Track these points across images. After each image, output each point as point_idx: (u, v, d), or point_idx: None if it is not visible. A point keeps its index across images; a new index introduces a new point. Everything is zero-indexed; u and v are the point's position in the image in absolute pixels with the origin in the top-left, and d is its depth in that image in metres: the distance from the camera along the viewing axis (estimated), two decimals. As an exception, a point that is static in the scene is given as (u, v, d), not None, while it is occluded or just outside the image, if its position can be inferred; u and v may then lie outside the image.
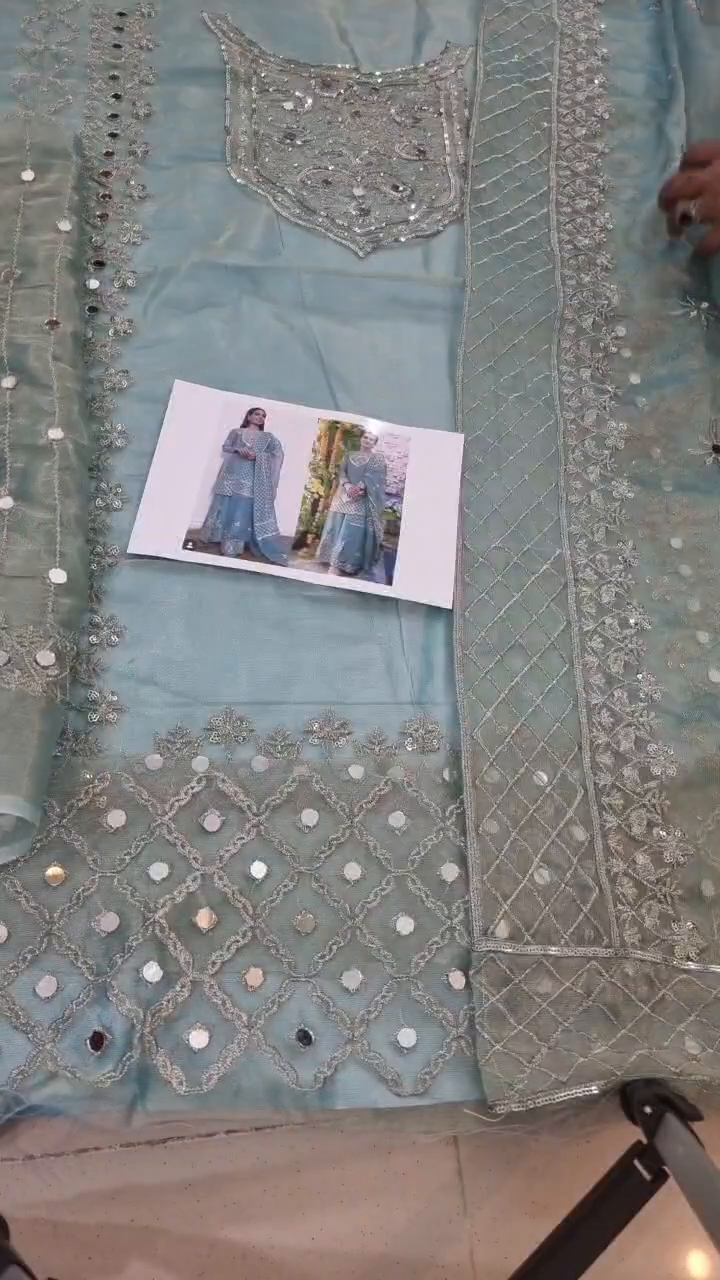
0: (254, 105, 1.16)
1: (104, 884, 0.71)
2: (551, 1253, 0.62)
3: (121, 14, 1.19)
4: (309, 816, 0.76)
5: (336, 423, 0.95)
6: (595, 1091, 0.67)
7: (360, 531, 0.90)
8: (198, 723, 0.79)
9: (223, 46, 1.19)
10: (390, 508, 0.92)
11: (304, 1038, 0.68)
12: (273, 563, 0.86)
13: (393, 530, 0.90)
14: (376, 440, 0.95)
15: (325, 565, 0.87)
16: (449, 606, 0.87)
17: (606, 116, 1.25)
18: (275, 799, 0.77)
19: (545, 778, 0.81)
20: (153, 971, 0.68)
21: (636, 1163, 0.64)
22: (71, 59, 1.14)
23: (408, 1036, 0.70)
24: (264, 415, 0.94)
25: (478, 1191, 0.71)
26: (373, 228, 1.10)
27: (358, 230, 1.09)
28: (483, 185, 1.15)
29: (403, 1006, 0.71)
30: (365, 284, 1.06)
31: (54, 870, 0.71)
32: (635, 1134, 0.66)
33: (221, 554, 0.86)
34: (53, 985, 0.67)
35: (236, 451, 0.92)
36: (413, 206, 1.12)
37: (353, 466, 0.93)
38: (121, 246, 1.02)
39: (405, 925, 0.73)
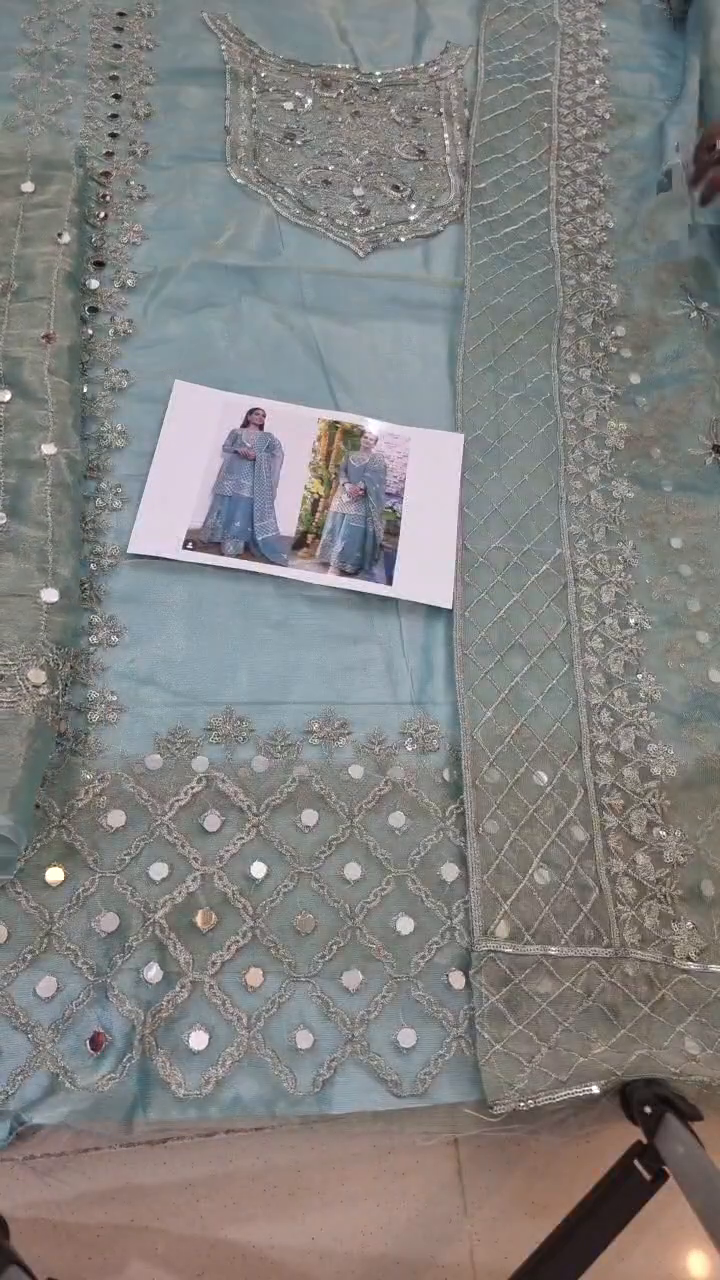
0: (254, 105, 1.16)
1: (104, 884, 0.71)
2: (551, 1253, 0.62)
3: (121, 14, 1.19)
4: (309, 816, 0.76)
5: (336, 423, 0.95)
6: (595, 1091, 0.67)
7: (360, 531, 0.90)
8: (198, 723, 0.79)
9: (223, 46, 1.19)
10: (390, 508, 0.92)
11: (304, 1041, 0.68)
12: (273, 563, 0.86)
13: (393, 530, 0.90)
14: (376, 440, 0.95)
15: (325, 565, 0.87)
16: (449, 606, 0.87)
17: (607, 116, 1.25)
18: (275, 799, 0.77)
19: (545, 778, 0.81)
20: (153, 972, 0.68)
21: (636, 1163, 0.64)
22: (71, 59, 1.14)
23: (407, 1036, 0.70)
24: (264, 415, 0.94)
25: (478, 1191, 0.71)
26: (373, 228, 1.10)
27: (358, 230, 1.09)
28: (483, 185, 1.14)
29: (403, 1006, 0.71)
30: (365, 284, 1.06)
31: (54, 870, 0.71)
32: (635, 1134, 0.66)
33: (221, 554, 0.86)
34: (53, 985, 0.67)
35: (236, 451, 0.92)
36: (413, 206, 1.12)
37: (353, 466, 0.93)
38: (121, 246, 1.02)
39: (405, 925, 0.73)
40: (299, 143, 1.15)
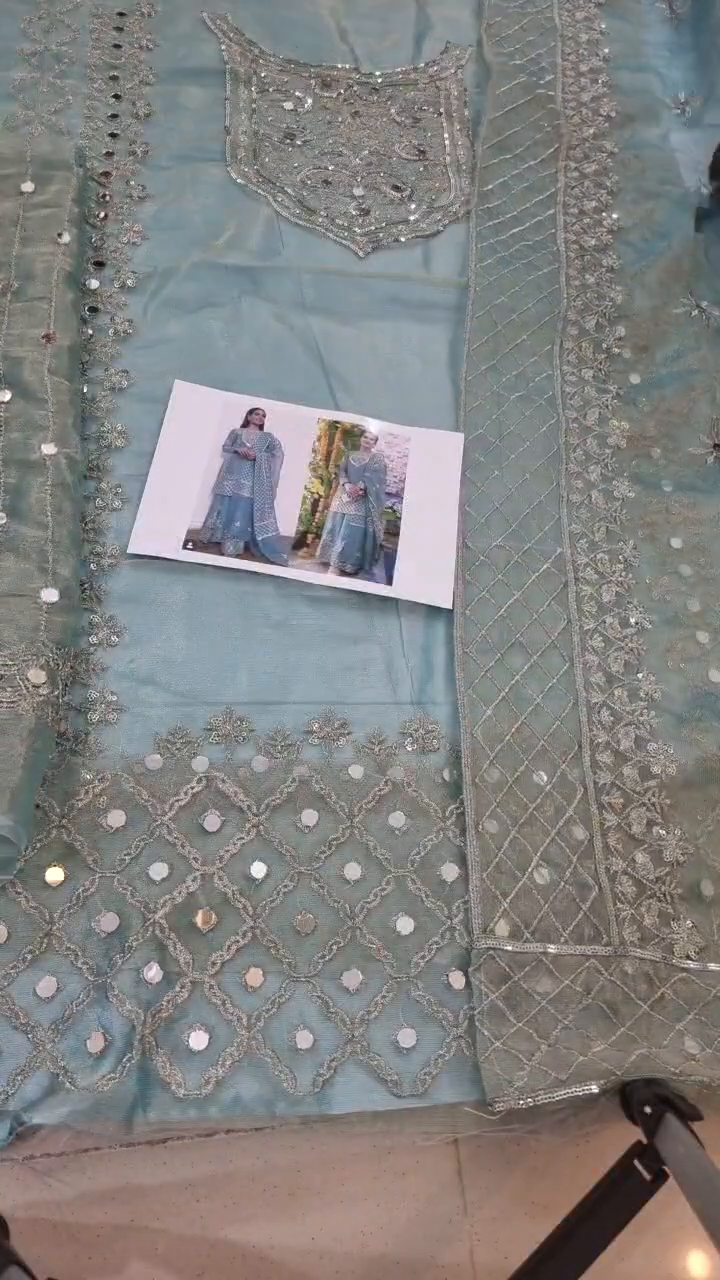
0: (254, 105, 1.16)
1: (104, 884, 0.71)
2: (552, 1252, 0.62)
3: (121, 14, 1.19)
4: (309, 816, 0.76)
5: (336, 423, 0.95)
6: (595, 1090, 0.67)
7: (360, 531, 0.90)
8: (198, 723, 0.79)
9: (223, 46, 1.19)
10: (390, 508, 0.92)
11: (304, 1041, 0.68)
12: (273, 563, 0.86)
13: (393, 530, 0.90)
14: (376, 440, 0.95)
15: (325, 565, 0.87)
16: (449, 606, 0.87)
17: (613, 115, 1.25)
18: (275, 799, 0.77)
19: (545, 777, 0.81)
20: (153, 972, 0.68)
21: (636, 1163, 0.64)
22: (71, 59, 1.14)
23: (407, 1036, 0.70)
24: (264, 415, 0.94)
25: (478, 1191, 0.71)
26: (372, 228, 1.10)
27: (358, 230, 1.09)
28: (490, 186, 1.14)
29: (402, 1006, 0.71)
30: (365, 284, 1.06)
31: (54, 870, 0.71)
32: (635, 1134, 0.66)
33: (221, 554, 0.86)
34: (53, 985, 0.67)
35: (236, 451, 0.92)
36: (413, 206, 1.12)
37: (353, 466, 0.93)
38: (121, 246, 1.03)
39: (405, 925, 0.73)
40: (299, 143, 1.15)
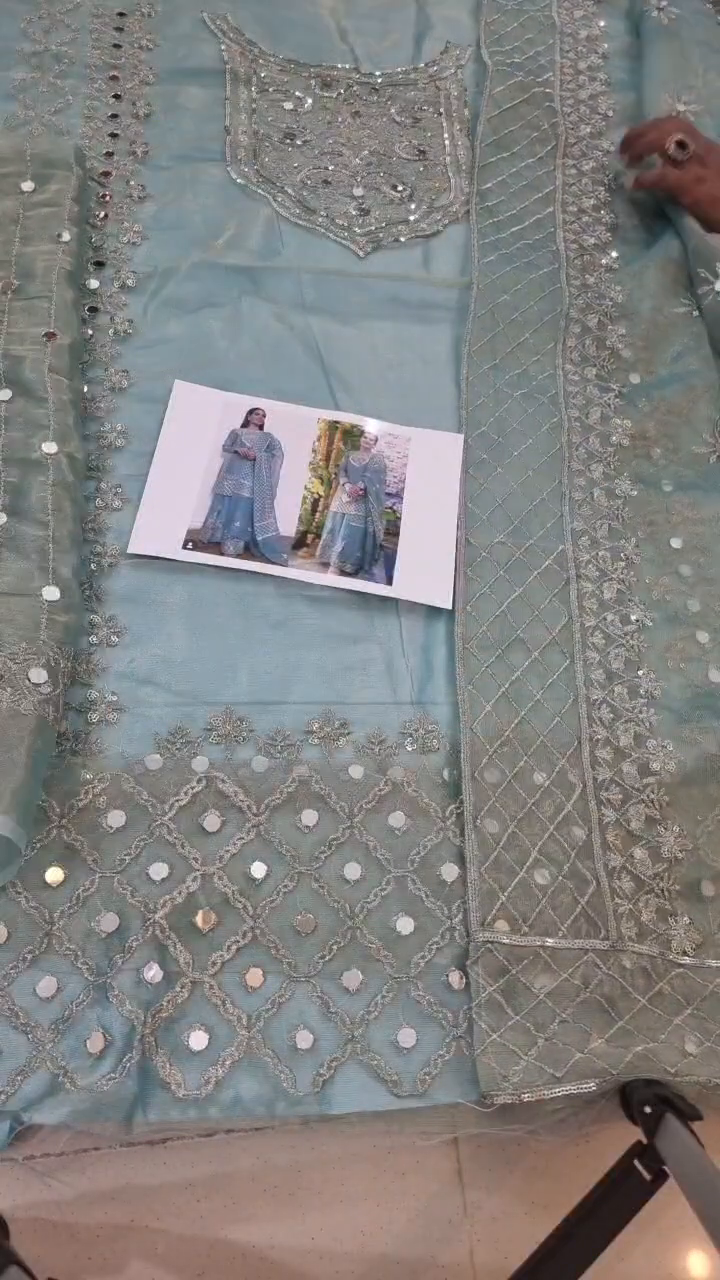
0: (254, 105, 1.16)
1: (104, 884, 0.71)
2: (551, 1253, 0.62)
3: (121, 14, 1.19)
4: (309, 816, 0.76)
5: (336, 423, 0.95)
6: (592, 1088, 0.67)
7: (360, 531, 0.90)
8: (198, 723, 0.79)
9: (222, 46, 1.19)
10: (390, 508, 0.92)
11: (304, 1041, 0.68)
12: (273, 563, 0.86)
13: (393, 530, 0.90)
14: (376, 440, 0.95)
15: (325, 565, 0.87)
16: (448, 606, 0.87)
17: (611, 114, 1.25)
18: (275, 799, 0.77)
19: (544, 775, 0.81)
20: (153, 972, 0.68)
21: (636, 1163, 0.63)
22: (71, 59, 1.14)
23: (408, 1036, 0.70)
24: (264, 415, 0.94)
25: (478, 1191, 0.70)
26: (372, 228, 1.10)
27: (358, 230, 1.09)
28: (489, 185, 1.14)
29: (402, 1006, 0.71)
30: (365, 284, 1.06)
31: (54, 870, 0.71)
32: (635, 1134, 0.66)
33: (221, 554, 0.86)
34: (53, 986, 0.67)
35: (236, 451, 0.92)
36: (413, 206, 1.12)
37: (353, 466, 0.93)
38: (121, 246, 1.03)
39: (405, 925, 0.73)
40: (299, 143, 1.15)
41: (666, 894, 0.79)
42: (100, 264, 1.01)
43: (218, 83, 1.17)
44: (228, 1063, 0.67)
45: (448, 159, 1.17)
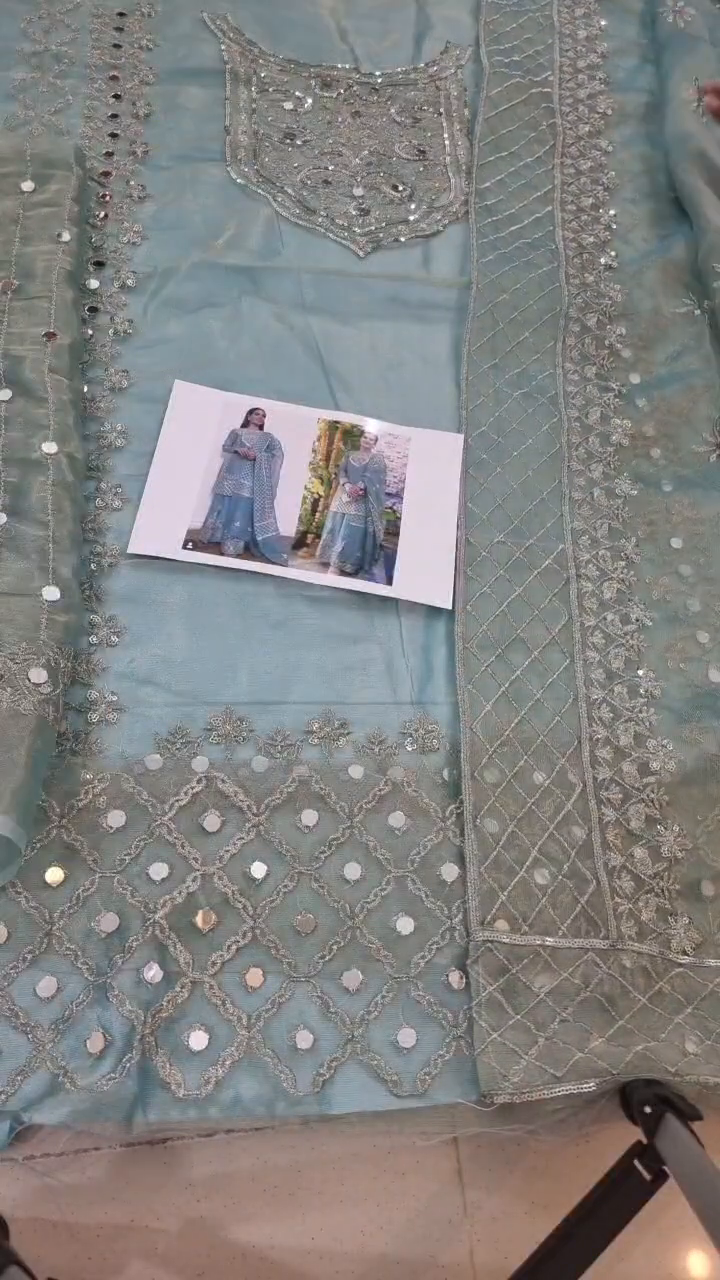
0: (254, 105, 1.16)
1: (104, 884, 0.71)
2: (552, 1252, 0.62)
3: (121, 14, 1.19)
4: (309, 816, 0.76)
5: (336, 423, 0.95)
6: (592, 1088, 0.67)
7: (360, 531, 0.90)
8: (197, 723, 0.79)
9: (223, 46, 1.19)
10: (390, 508, 0.92)
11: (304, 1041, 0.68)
12: (273, 563, 0.86)
13: (393, 530, 0.90)
14: (376, 440, 0.95)
15: (325, 565, 0.87)
16: (448, 607, 0.87)
17: (609, 113, 1.25)
18: (275, 799, 0.77)
19: (544, 775, 0.81)
20: (153, 972, 0.68)
21: (636, 1163, 0.63)
22: (71, 59, 1.14)
23: (407, 1036, 0.70)
24: (264, 415, 0.94)
25: (478, 1191, 0.71)
26: (372, 228, 1.10)
27: (357, 230, 1.09)
28: (488, 184, 1.14)
29: (402, 1006, 0.71)
30: (365, 284, 1.06)
31: (54, 870, 0.71)
32: (635, 1134, 0.66)
33: (221, 554, 0.86)
34: (53, 985, 0.67)
35: (236, 451, 0.92)
36: (412, 206, 1.12)
37: (352, 466, 0.93)
38: (121, 246, 1.03)
39: (405, 925, 0.73)
40: (299, 143, 1.15)
41: (666, 893, 0.79)
42: (100, 264, 1.01)
43: (218, 83, 1.16)
44: (228, 1063, 0.67)
45: (447, 159, 1.17)
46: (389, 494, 0.92)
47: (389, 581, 0.87)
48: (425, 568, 0.89)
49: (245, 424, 0.94)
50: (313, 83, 1.20)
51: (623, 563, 0.94)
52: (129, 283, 1.00)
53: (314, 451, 0.93)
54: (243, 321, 1.00)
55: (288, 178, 1.11)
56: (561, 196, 1.15)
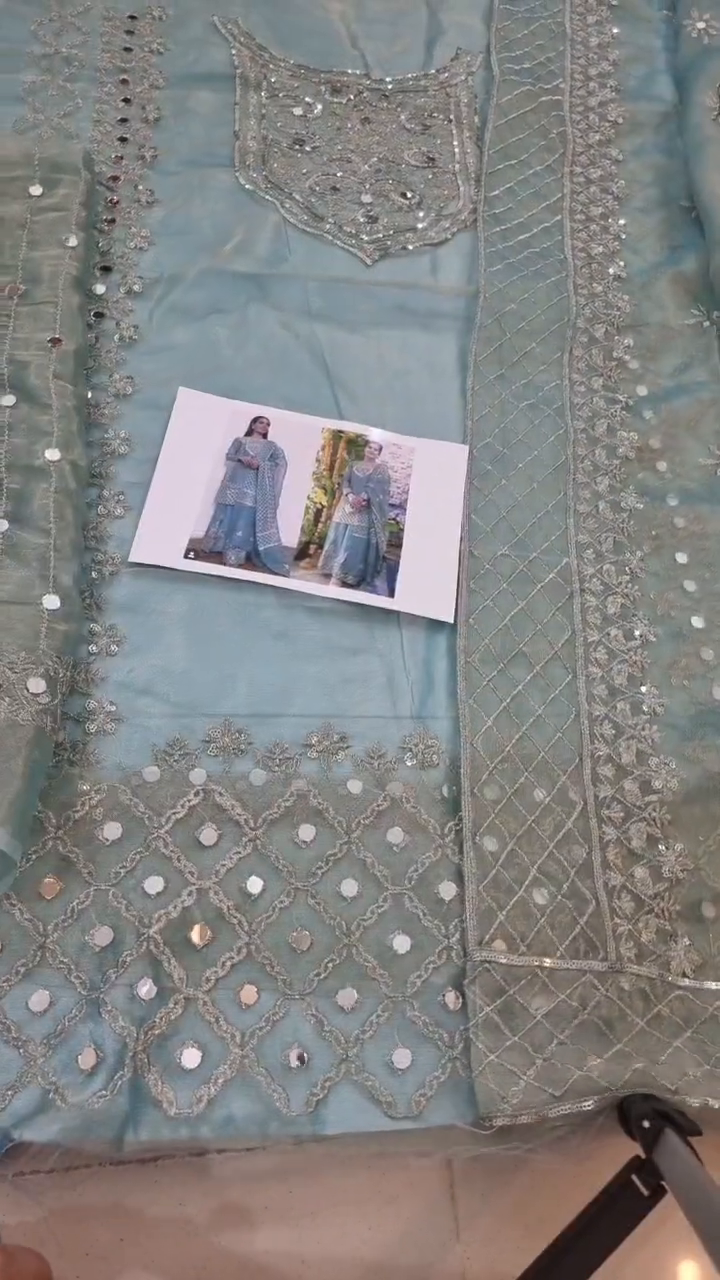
0: (263, 110, 1.15)
1: (99, 897, 0.71)
2: (548, 1268, 0.61)
3: (133, 17, 1.19)
4: (306, 831, 0.76)
5: (340, 432, 0.94)
6: (590, 1106, 0.66)
7: (363, 543, 0.89)
8: (196, 734, 0.79)
9: (233, 51, 1.19)
10: (393, 519, 0.91)
11: (299, 1059, 0.68)
12: (274, 573, 0.86)
13: (395, 542, 0.90)
14: (380, 450, 0.94)
15: (327, 576, 0.87)
16: (451, 620, 0.87)
17: (620, 121, 1.24)
18: (273, 813, 0.76)
19: (545, 791, 0.80)
20: (146, 988, 0.68)
21: (634, 1177, 0.63)
22: (82, 62, 1.13)
23: (402, 1057, 0.69)
24: (268, 424, 0.94)
25: (470, 1208, 0.70)
26: (380, 235, 1.09)
27: (365, 238, 1.08)
28: (496, 192, 1.14)
29: (398, 1026, 0.70)
30: (372, 292, 1.05)
31: (49, 882, 0.71)
32: (630, 1151, 0.65)
33: (223, 563, 0.85)
34: (45, 1000, 0.67)
35: (240, 460, 0.91)
36: (421, 214, 1.12)
37: (356, 477, 0.92)
38: (128, 251, 1.02)
39: (402, 944, 0.73)
40: (308, 149, 1.14)
41: (667, 914, 0.78)
42: (107, 269, 1.00)
43: (228, 87, 1.16)
44: (220, 1081, 0.66)
45: (457, 166, 1.17)
46: (392, 505, 0.92)
47: (391, 594, 0.87)
48: (428, 580, 0.88)
49: (249, 432, 0.93)
50: (323, 88, 1.19)
51: (627, 577, 0.93)
52: (135, 288, 1.00)
53: (318, 461, 0.93)
54: (249, 329, 1.00)
55: (296, 184, 1.11)
56: (571, 206, 1.15)
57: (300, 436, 0.93)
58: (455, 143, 1.19)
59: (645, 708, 0.87)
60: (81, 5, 1.17)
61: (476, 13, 1.29)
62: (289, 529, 0.89)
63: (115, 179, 1.06)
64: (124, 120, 1.11)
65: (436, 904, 0.75)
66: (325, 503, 0.91)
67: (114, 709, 0.78)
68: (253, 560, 0.86)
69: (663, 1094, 0.67)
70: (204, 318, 0.99)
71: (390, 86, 1.21)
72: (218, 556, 0.86)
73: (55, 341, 0.89)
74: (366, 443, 0.94)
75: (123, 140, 1.09)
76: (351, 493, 0.92)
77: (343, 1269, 0.67)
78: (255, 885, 0.73)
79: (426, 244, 1.10)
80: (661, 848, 0.80)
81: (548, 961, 0.73)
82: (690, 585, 0.94)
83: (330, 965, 0.71)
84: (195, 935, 0.70)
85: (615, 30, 1.32)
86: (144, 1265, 0.65)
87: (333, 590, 0.86)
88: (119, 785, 0.75)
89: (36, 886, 0.70)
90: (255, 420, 0.94)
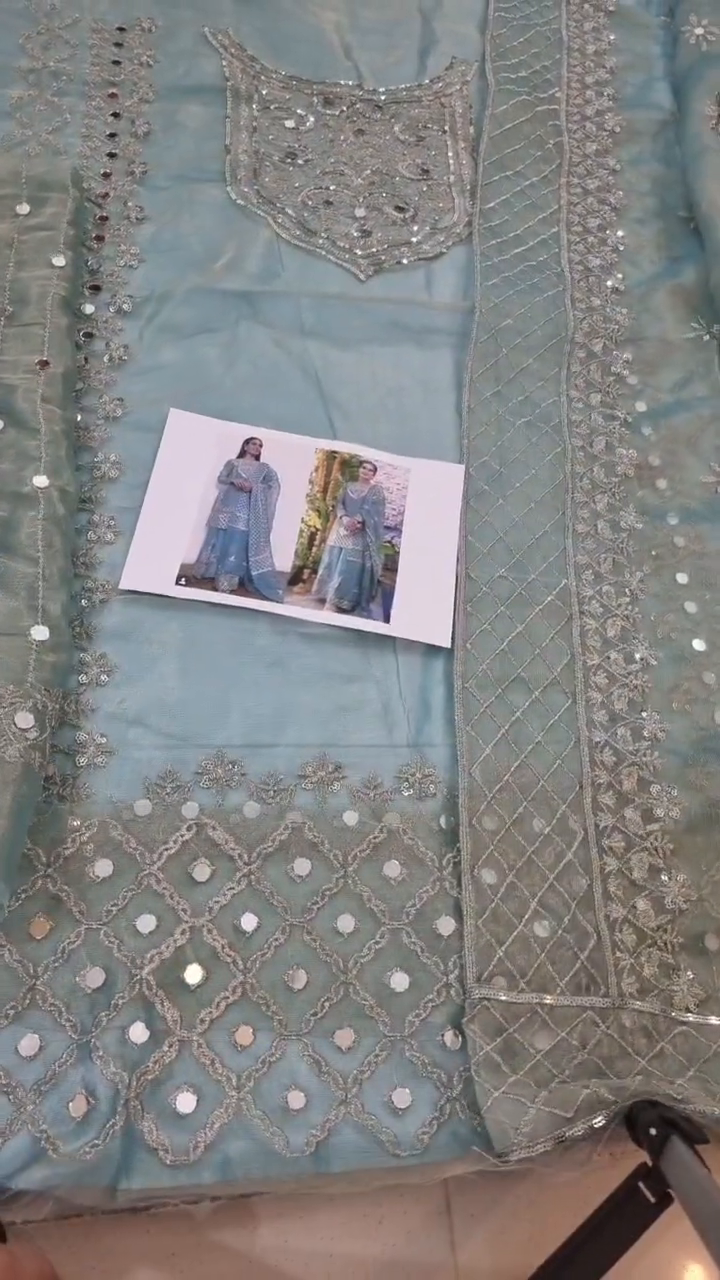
0: (255, 123, 1.14)
1: (90, 937, 0.69)
2: (554, 1274, 0.61)
3: (121, 29, 1.17)
4: (301, 865, 0.74)
5: (334, 453, 0.93)
6: (601, 1123, 0.65)
7: (358, 567, 0.87)
8: (188, 766, 0.77)
9: (224, 62, 1.17)
10: (389, 542, 0.90)
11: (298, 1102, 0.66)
12: (268, 599, 0.84)
13: (391, 566, 0.88)
14: (375, 471, 0.93)
15: (321, 602, 0.85)
16: (447, 645, 0.85)
17: (617, 130, 1.22)
18: (267, 847, 0.75)
19: (544, 821, 0.79)
20: (138, 1031, 0.66)
21: (641, 1184, 0.62)
22: (70, 76, 1.12)
23: (402, 1097, 0.67)
24: (260, 445, 0.92)
25: (465, 1221, 0.69)
26: (374, 250, 1.07)
27: (359, 252, 1.07)
28: (492, 204, 1.12)
29: (396, 1066, 0.69)
30: (366, 308, 1.04)
31: (39, 922, 0.69)
32: (630, 1159, 0.64)
33: (215, 590, 0.84)
34: (35, 1044, 0.65)
35: (232, 483, 0.90)
36: (415, 228, 1.10)
37: (350, 499, 0.91)
38: (118, 270, 1.00)
39: (400, 981, 0.71)
40: (300, 162, 1.13)
41: (669, 947, 0.76)
42: (96, 288, 0.99)
43: (218, 100, 1.14)
44: (216, 1125, 0.65)
45: (452, 178, 1.15)
46: (388, 527, 0.90)
47: (386, 619, 0.85)
48: (424, 604, 0.86)
49: (241, 454, 0.92)
50: (315, 100, 1.18)
51: (627, 599, 0.91)
52: (125, 307, 0.98)
53: (311, 483, 0.91)
54: (240, 347, 0.98)
55: (288, 198, 1.09)
56: (568, 217, 1.13)
57: (293, 458, 0.92)
58: (450, 154, 1.17)
59: (646, 733, 0.85)
60: (69, 18, 1.16)
61: (471, 21, 1.28)
62: (282, 553, 0.87)
63: (105, 196, 1.05)
64: (113, 135, 1.09)
65: (435, 939, 0.73)
66: (319, 526, 0.89)
67: (104, 741, 0.77)
68: (245, 586, 0.85)
69: (668, 1101, 0.66)
70: (194, 337, 0.98)
71: (384, 97, 1.19)
72: (210, 583, 0.84)
73: (43, 364, 0.87)
74: (361, 463, 0.93)
75: (111, 156, 1.08)
76: (346, 515, 0.90)
77: (336, 1276, 0.66)
78: (250, 922, 0.71)
79: (421, 258, 1.08)
80: (664, 878, 0.79)
81: (548, 998, 0.72)
82: (691, 607, 0.92)
83: (327, 1005, 0.70)
84: (189, 975, 0.69)
85: (612, 37, 1.30)
86: (148, 1257, 0.63)
87: (327, 616, 0.84)
88: (110, 820, 0.74)
89: (26, 926, 0.69)
90: (248, 442, 0.92)
